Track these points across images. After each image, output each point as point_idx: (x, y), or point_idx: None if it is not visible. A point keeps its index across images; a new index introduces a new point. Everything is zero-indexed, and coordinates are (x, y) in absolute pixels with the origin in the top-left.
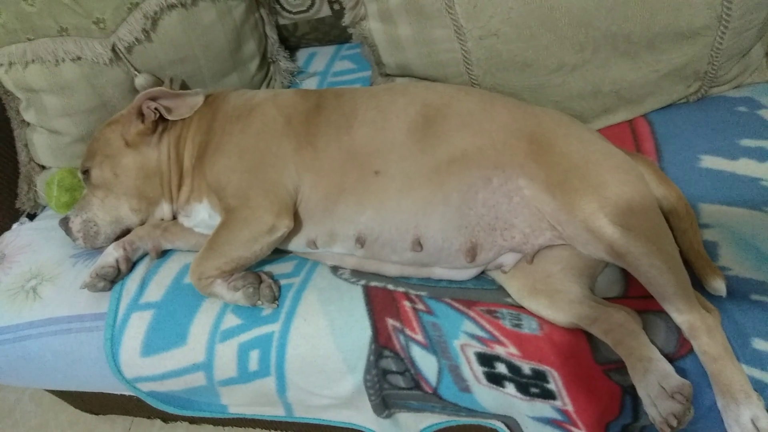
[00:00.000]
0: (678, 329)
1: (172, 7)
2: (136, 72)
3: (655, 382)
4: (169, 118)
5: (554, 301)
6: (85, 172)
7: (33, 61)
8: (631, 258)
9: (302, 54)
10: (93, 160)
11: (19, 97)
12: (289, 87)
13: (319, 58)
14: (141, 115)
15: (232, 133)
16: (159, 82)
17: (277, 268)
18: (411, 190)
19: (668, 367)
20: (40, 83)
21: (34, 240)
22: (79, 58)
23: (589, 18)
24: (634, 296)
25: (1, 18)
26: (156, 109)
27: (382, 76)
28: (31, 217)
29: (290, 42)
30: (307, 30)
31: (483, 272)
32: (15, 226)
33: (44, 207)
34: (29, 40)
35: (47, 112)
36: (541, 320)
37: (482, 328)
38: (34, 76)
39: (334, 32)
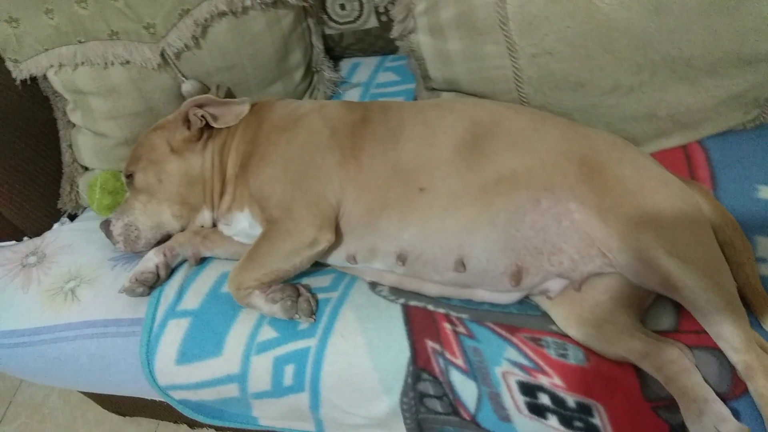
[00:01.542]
0: (732, 368)
1: (222, 14)
2: (183, 78)
3: (711, 425)
4: (215, 125)
5: (602, 332)
6: (129, 176)
7: (82, 63)
8: (686, 292)
9: (345, 64)
10: (137, 164)
11: (66, 98)
12: (332, 97)
13: (362, 69)
14: (187, 121)
15: (277, 143)
16: (205, 88)
17: (314, 282)
18: (456, 209)
19: (725, 410)
20: (88, 85)
21: (75, 241)
22: (127, 62)
23: (648, 40)
24: (686, 330)
25: (54, 20)
26: (202, 116)
27: (428, 90)
28: (72, 217)
29: (335, 52)
30: (353, 41)
31: (527, 297)
32: (56, 226)
33: (85, 208)
34: (80, 42)
35: (93, 115)
36: (588, 351)
37: (525, 356)
38: (82, 78)
39: (379, 43)
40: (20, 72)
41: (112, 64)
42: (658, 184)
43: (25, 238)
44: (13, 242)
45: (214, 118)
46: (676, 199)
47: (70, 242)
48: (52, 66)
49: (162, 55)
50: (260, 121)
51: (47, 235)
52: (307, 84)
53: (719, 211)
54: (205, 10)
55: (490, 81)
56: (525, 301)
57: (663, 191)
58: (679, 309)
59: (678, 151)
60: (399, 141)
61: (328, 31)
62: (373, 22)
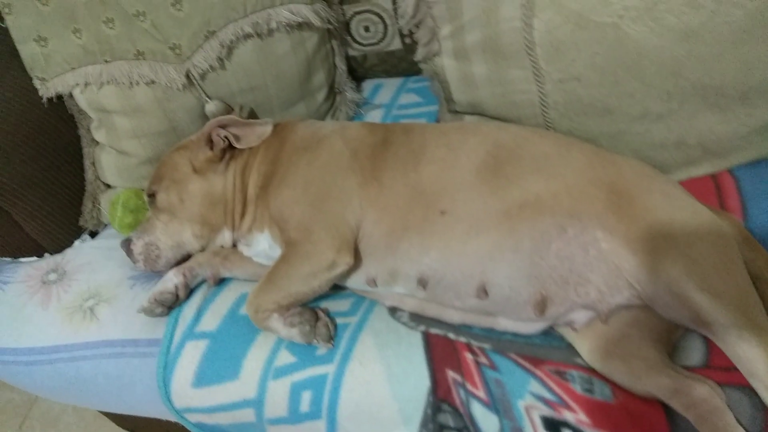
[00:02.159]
0: (765, 408)
1: (248, 37)
2: (207, 98)
3: None
4: (238, 146)
5: (630, 367)
6: (151, 195)
7: (108, 82)
8: (718, 327)
9: (368, 85)
10: (160, 183)
11: (91, 117)
12: (353, 117)
13: (385, 90)
14: (210, 141)
15: (298, 164)
16: (229, 109)
17: (333, 305)
18: (479, 234)
19: None
20: (113, 104)
21: (95, 258)
22: (152, 82)
23: (679, 68)
24: (716, 367)
25: (81, 39)
26: (225, 136)
27: (451, 113)
28: (93, 235)
29: (357, 73)
30: (376, 62)
31: (551, 327)
32: (77, 243)
33: (106, 226)
34: (106, 62)
35: (117, 133)
36: (615, 386)
37: (550, 390)
38: (107, 97)
39: (402, 65)
40: (47, 90)
41: (137, 83)
42: (688, 215)
43: (46, 255)
44: (34, 258)
45: (237, 138)
46: (707, 231)
47: (91, 260)
48: (78, 84)
49: (187, 75)
50: (282, 142)
51: (68, 252)
52: (330, 104)
53: (751, 243)
54: (230, 31)
55: (514, 105)
56: (549, 332)
57: (694, 222)
58: (708, 344)
59: (707, 180)
60: (421, 163)
61: (351, 53)
62: (396, 44)
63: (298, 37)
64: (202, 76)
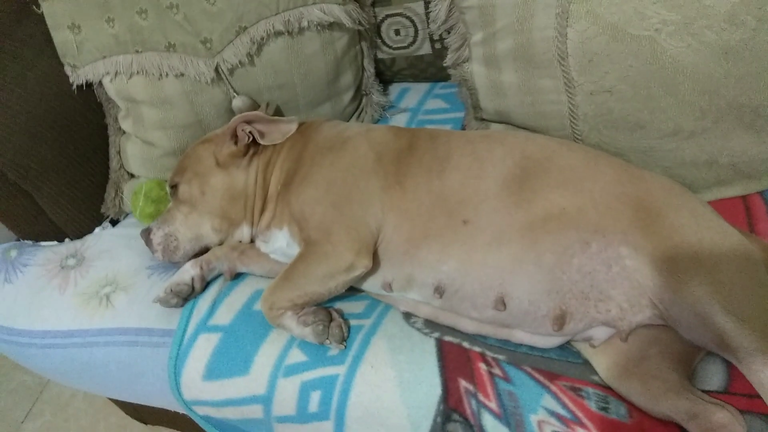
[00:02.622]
0: None
1: (279, 34)
2: (234, 93)
3: None
4: (262, 142)
5: (648, 388)
6: (173, 187)
7: (138, 72)
8: (742, 352)
9: (394, 88)
10: (183, 175)
11: (119, 106)
12: (378, 120)
13: (411, 94)
14: (235, 136)
15: (322, 164)
16: (255, 105)
17: (347, 307)
18: (500, 245)
19: None
20: (142, 95)
21: (114, 246)
22: (182, 75)
23: (715, 86)
24: (737, 393)
25: (114, 29)
26: (250, 132)
27: (477, 120)
28: (114, 223)
29: (385, 76)
30: (404, 66)
31: (568, 343)
32: (97, 230)
33: (127, 214)
34: (137, 52)
35: (144, 123)
36: (631, 406)
37: (564, 405)
38: (136, 87)
39: (431, 70)
40: (77, 77)
41: (167, 75)
42: (717, 236)
43: (66, 240)
44: (55, 243)
45: (262, 135)
46: (735, 254)
47: (110, 247)
48: (108, 73)
49: (216, 69)
50: (306, 141)
51: (88, 238)
52: (356, 106)
53: None
54: (261, 28)
55: (543, 116)
56: (566, 347)
57: (722, 244)
58: (730, 368)
59: (737, 202)
60: (445, 170)
61: (380, 55)
62: (426, 49)
63: (328, 37)
64: (231, 71)
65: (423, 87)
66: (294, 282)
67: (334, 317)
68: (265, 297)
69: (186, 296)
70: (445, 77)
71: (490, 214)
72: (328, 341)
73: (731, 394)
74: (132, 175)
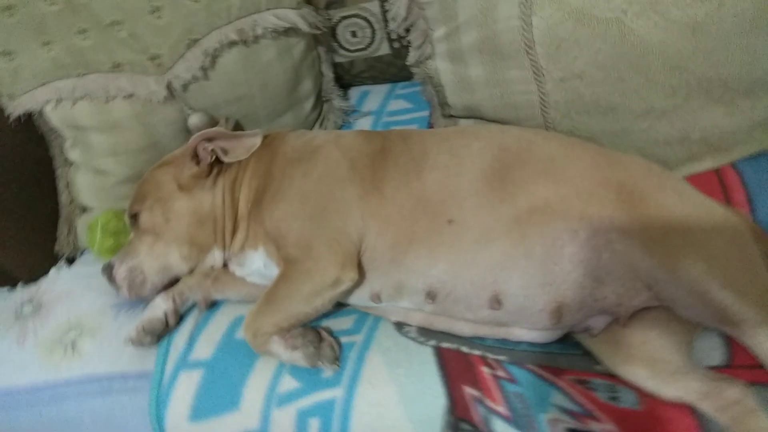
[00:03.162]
0: None
1: (233, 44)
2: (190, 111)
3: None
4: (225, 160)
5: (655, 371)
6: (134, 216)
7: (83, 97)
8: (745, 325)
9: (354, 92)
10: (143, 203)
11: (64, 135)
12: (342, 126)
13: (372, 97)
14: (196, 156)
15: (293, 177)
16: (213, 121)
17: (335, 324)
18: (489, 242)
19: None
20: (89, 120)
21: (73, 287)
22: (131, 96)
23: (684, 62)
24: (740, 365)
25: (52, 52)
26: (212, 150)
27: (445, 117)
28: (70, 261)
29: (344, 80)
30: (364, 68)
31: (566, 334)
32: (53, 271)
33: (84, 251)
34: (80, 75)
35: (93, 151)
36: (640, 393)
37: (574, 400)
38: (82, 113)
39: (391, 70)
40: (15, 108)
41: (114, 97)
42: (703, 212)
43: (19, 285)
44: (6, 289)
45: (225, 152)
46: (724, 227)
47: (69, 289)
48: (49, 101)
49: (168, 87)
50: (273, 154)
51: (44, 281)
52: (317, 114)
53: (761, 238)
54: (214, 39)
55: (513, 107)
56: (565, 339)
57: (709, 219)
58: (729, 342)
59: (711, 175)
60: (423, 171)
61: (337, 59)
62: (385, 49)
63: (284, 44)
64: (185, 88)
65: (383, 88)
66: (277, 305)
67: (324, 337)
68: (247, 324)
69: (160, 333)
70: (406, 77)
71: (474, 212)
72: (320, 363)
73: (735, 367)
74: (85, 209)
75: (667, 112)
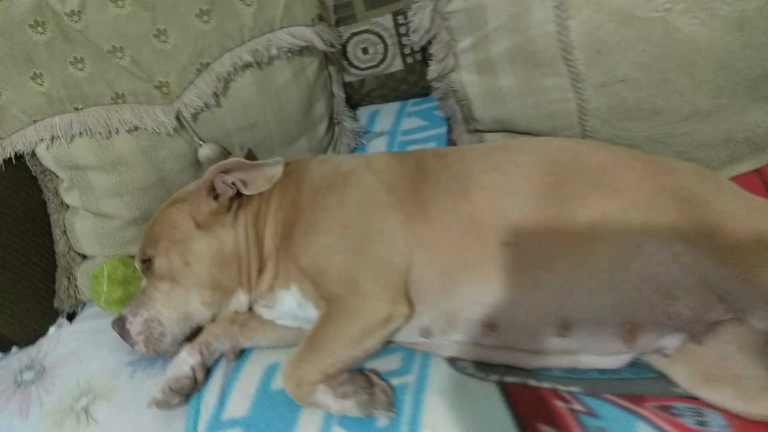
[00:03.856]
0: None
1: (246, 67)
2: (200, 142)
3: None
4: (246, 192)
5: (741, 390)
6: (146, 261)
7: (80, 133)
8: None
9: (363, 113)
10: (156, 246)
11: (60, 177)
12: (355, 149)
13: (383, 116)
14: (213, 190)
15: (327, 206)
16: (225, 152)
17: (380, 365)
18: (550, 263)
19: None
20: (88, 159)
21: (79, 347)
22: (136, 129)
23: (732, 59)
24: None
25: (43, 86)
26: (232, 183)
27: (470, 133)
28: (70, 317)
29: (352, 100)
30: (374, 86)
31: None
32: (52, 329)
33: (85, 305)
34: (77, 109)
35: (94, 192)
36: (727, 414)
37: (660, 429)
38: (80, 152)
39: (402, 87)
40: (3, 150)
41: (117, 131)
42: (765, 213)
43: (14, 349)
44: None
45: (245, 184)
46: None
47: (74, 348)
48: (42, 140)
49: (177, 117)
50: (298, 182)
51: (43, 342)
52: (330, 137)
53: None
54: (227, 62)
55: (549, 116)
56: (635, 363)
57: None
58: None
59: (753, 176)
60: (469, 191)
61: (347, 78)
62: (398, 65)
63: (299, 64)
64: (195, 117)
65: (393, 107)
66: (323, 349)
67: (375, 381)
68: (288, 373)
69: (189, 392)
70: (418, 93)
71: (531, 232)
72: (375, 411)
73: None
74: (84, 257)
75: (712, 114)
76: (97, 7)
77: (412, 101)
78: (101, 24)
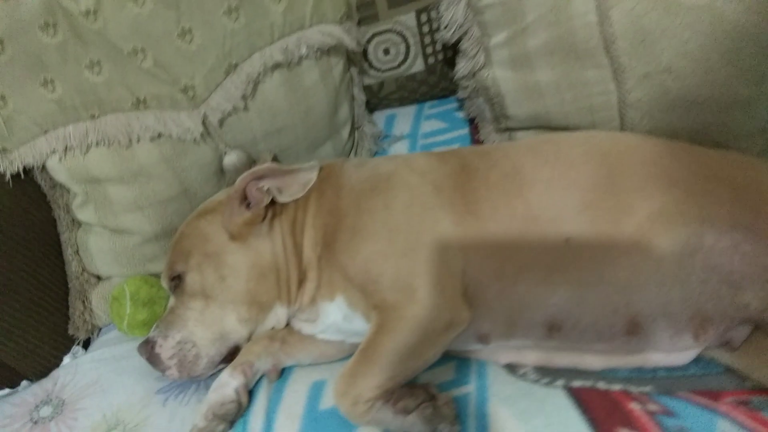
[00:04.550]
0: None
1: (275, 67)
2: (226, 149)
3: None
4: (281, 200)
5: None
6: (175, 278)
7: (97, 143)
8: None
9: (379, 117)
10: (187, 262)
11: (73, 191)
12: (376, 153)
13: (401, 120)
14: (244, 199)
15: (373, 210)
16: (251, 160)
17: (433, 377)
18: (614, 258)
19: None
20: (106, 171)
21: (101, 376)
22: (159, 136)
23: None
24: None
25: (55, 92)
26: (268, 190)
27: (499, 132)
28: (85, 345)
29: (370, 104)
30: (393, 89)
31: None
32: (67, 359)
33: (100, 330)
34: (93, 117)
35: (112, 207)
36: None
37: (743, 426)
38: (97, 163)
39: (422, 89)
40: (10, 164)
41: (138, 140)
42: None
43: (25, 383)
44: (8, 391)
45: (279, 191)
46: None
47: (96, 378)
48: (54, 151)
49: (204, 122)
50: (336, 187)
51: (59, 374)
52: (352, 142)
53: None
54: (257, 63)
55: (588, 110)
56: (700, 358)
57: None
58: None
59: None
60: (523, 186)
61: (367, 81)
62: (419, 66)
63: (326, 65)
64: (221, 122)
65: (410, 110)
66: (380, 363)
67: (435, 393)
68: (341, 391)
69: (234, 417)
70: (437, 95)
71: (592, 226)
72: (440, 426)
73: None
74: (99, 278)
75: (752, 102)
76: (114, 6)
77: (429, 104)
78: (120, 24)
